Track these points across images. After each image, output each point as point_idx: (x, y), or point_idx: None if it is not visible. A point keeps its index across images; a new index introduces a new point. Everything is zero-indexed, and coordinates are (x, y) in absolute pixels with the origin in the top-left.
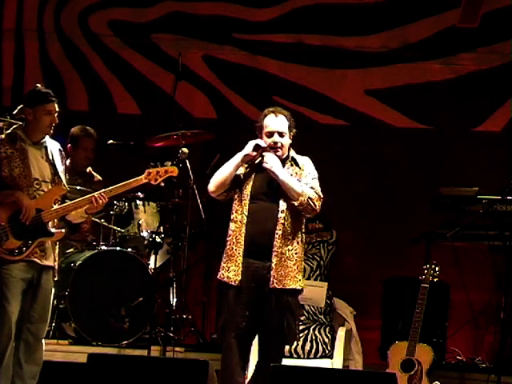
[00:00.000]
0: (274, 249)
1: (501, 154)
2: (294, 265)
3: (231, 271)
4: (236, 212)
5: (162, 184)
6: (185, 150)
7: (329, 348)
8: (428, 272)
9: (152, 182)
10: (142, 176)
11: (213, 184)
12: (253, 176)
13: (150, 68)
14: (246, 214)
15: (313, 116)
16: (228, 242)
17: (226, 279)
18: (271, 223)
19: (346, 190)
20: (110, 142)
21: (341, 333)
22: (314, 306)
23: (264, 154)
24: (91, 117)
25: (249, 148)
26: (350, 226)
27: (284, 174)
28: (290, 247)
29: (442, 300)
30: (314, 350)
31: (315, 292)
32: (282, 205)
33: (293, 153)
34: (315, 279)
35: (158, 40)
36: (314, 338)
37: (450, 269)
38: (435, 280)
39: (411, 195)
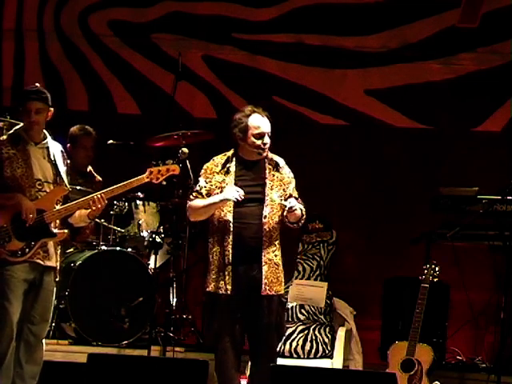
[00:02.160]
0: (263, 255)
1: (501, 154)
2: (281, 270)
3: (220, 281)
4: (218, 222)
5: (164, 183)
6: (185, 150)
7: (329, 348)
8: (428, 272)
9: (154, 181)
10: (144, 175)
11: (192, 217)
12: (232, 184)
13: (149, 68)
14: (232, 220)
15: (313, 116)
16: (214, 253)
17: (218, 290)
18: (258, 228)
19: (346, 190)
20: (110, 141)
21: (341, 333)
22: (313, 306)
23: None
24: (91, 117)
25: (229, 197)
26: (350, 226)
27: (300, 210)
28: (276, 252)
29: (442, 300)
30: (313, 350)
31: (315, 292)
32: (265, 211)
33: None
34: (315, 279)
35: (158, 40)
36: (314, 338)
37: (450, 269)
38: (435, 280)
39: (411, 195)
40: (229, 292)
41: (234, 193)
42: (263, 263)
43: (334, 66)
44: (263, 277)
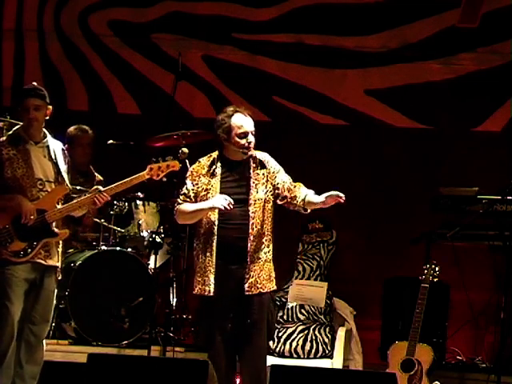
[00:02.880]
0: (252, 254)
1: (501, 154)
2: (270, 267)
3: (207, 284)
4: (204, 225)
5: (165, 179)
6: (185, 149)
7: (329, 348)
8: (428, 272)
9: (154, 178)
10: (144, 172)
11: (180, 221)
12: (218, 186)
13: (149, 68)
14: (217, 222)
15: (313, 116)
16: (201, 255)
17: (203, 292)
18: (243, 228)
19: (346, 189)
20: (110, 141)
21: (341, 333)
22: (313, 306)
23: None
24: (91, 117)
25: (217, 205)
26: (350, 226)
27: None
28: (265, 250)
29: (442, 300)
30: (313, 350)
31: (315, 292)
32: (251, 209)
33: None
34: (315, 279)
35: (158, 40)
36: (314, 338)
37: (450, 269)
38: (435, 280)
39: (411, 195)
40: (216, 293)
41: (222, 201)
42: (252, 262)
43: (334, 65)
44: (252, 276)
